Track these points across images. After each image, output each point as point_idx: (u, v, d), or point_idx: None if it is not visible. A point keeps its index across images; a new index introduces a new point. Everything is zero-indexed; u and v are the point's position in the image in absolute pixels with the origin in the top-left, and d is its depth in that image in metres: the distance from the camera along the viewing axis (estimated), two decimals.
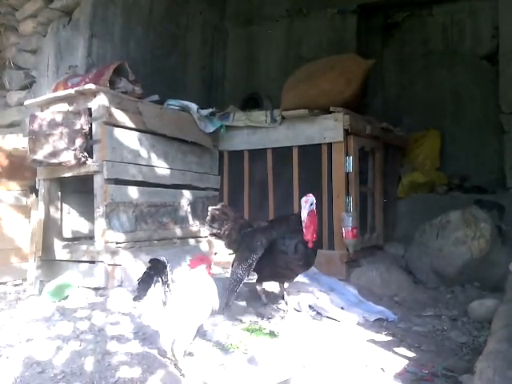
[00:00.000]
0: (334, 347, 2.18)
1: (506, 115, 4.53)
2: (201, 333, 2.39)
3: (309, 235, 2.49)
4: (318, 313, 2.73)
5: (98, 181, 3.23)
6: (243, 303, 2.89)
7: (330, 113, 3.74)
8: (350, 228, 3.57)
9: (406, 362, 2.01)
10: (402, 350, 2.15)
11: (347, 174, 3.72)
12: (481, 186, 4.54)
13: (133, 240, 3.35)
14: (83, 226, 3.83)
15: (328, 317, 2.66)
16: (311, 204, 2.52)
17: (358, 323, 2.58)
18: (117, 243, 3.24)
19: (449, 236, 3.48)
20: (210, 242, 4.05)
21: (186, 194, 3.87)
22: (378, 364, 1.98)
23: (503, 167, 4.53)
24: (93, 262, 3.23)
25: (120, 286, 3.16)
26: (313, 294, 2.90)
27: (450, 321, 2.67)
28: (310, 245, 2.51)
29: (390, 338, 2.33)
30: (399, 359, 2.05)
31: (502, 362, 1.55)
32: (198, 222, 3.98)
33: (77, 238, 3.78)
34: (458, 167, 4.74)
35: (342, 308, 2.77)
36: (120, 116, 3.33)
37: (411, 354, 2.10)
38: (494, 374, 1.48)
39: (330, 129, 3.72)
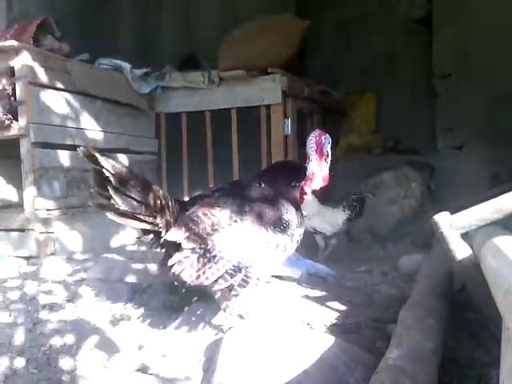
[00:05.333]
0: (269, 304, 2.23)
1: (438, 79, 4.67)
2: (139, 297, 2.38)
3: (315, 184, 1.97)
4: None
5: (24, 145, 3.06)
6: None
7: (268, 74, 3.71)
8: None
9: (337, 315, 2.10)
10: (334, 304, 2.23)
11: (286, 136, 3.74)
12: (414, 148, 4.71)
13: (65, 207, 3.22)
14: (12, 194, 3.64)
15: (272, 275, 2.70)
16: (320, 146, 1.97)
17: (297, 280, 2.65)
18: (47, 210, 3.10)
19: (382, 196, 3.62)
20: None
21: (122, 158, 3.74)
22: (309, 318, 2.06)
23: (434, 129, 4.71)
24: (23, 231, 3.09)
25: (53, 254, 3.06)
26: None
27: (381, 275, 2.80)
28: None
29: (323, 293, 2.41)
30: (331, 313, 2.13)
31: (422, 311, 1.66)
32: None
33: (5, 206, 3.59)
34: (392, 130, 4.88)
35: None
36: (46, 76, 3.13)
37: (342, 308, 2.19)
38: (414, 321, 1.57)
39: (268, 90, 3.69)
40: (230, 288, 1.68)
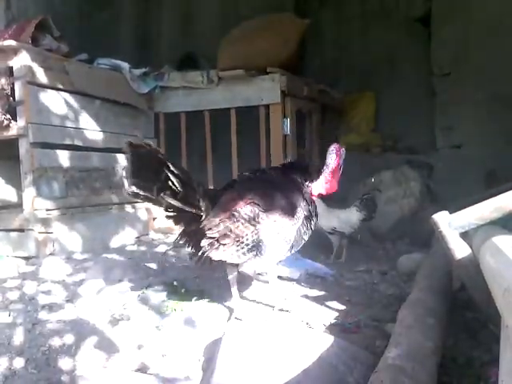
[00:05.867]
0: (269, 304, 2.23)
1: (437, 77, 4.67)
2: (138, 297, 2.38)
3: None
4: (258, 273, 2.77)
5: (23, 145, 3.05)
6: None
7: (268, 73, 3.70)
8: None
9: (337, 314, 2.10)
10: (334, 304, 2.23)
11: (285, 136, 3.73)
12: (413, 146, 4.71)
13: (64, 207, 3.22)
14: (11, 194, 3.63)
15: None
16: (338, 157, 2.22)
17: (297, 280, 2.65)
18: (47, 210, 3.09)
19: (381, 195, 3.61)
20: (148, 209, 3.98)
21: (121, 157, 3.74)
22: (308, 318, 2.05)
23: (434, 128, 4.70)
24: (22, 231, 3.09)
25: (52, 254, 3.05)
26: None
27: (380, 275, 2.80)
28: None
29: (323, 293, 2.41)
30: (330, 312, 2.13)
31: (422, 310, 1.66)
32: None
33: (5, 207, 3.59)
34: (392, 129, 4.88)
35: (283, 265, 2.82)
36: (45, 76, 3.13)
37: (342, 307, 2.19)
38: (414, 320, 1.57)
39: (267, 90, 3.69)
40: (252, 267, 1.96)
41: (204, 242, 1.83)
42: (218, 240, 1.84)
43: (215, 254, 1.83)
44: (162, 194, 1.82)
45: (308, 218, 2.07)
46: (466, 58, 4.39)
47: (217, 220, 1.86)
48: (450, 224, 1.63)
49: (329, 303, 2.25)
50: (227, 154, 3.87)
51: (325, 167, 2.23)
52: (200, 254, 1.86)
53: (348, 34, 5.17)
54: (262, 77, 3.72)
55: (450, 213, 1.66)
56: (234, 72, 3.73)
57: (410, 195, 3.59)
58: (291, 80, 3.73)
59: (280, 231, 1.95)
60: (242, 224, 1.87)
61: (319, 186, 2.22)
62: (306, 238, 2.10)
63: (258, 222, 1.89)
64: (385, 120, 4.99)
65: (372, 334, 1.92)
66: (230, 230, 1.85)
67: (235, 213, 1.89)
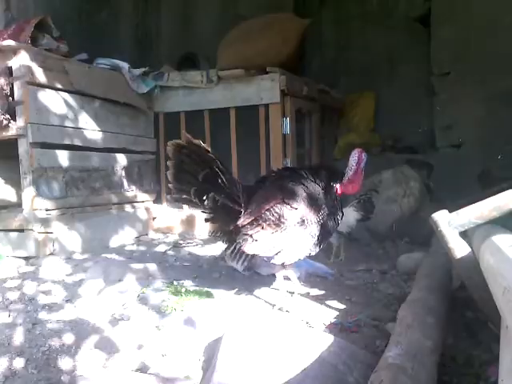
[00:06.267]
0: (269, 303, 2.23)
1: (436, 77, 4.66)
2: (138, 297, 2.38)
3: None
4: (256, 272, 2.77)
5: (22, 145, 3.05)
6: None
7: (267, 73, 3.70)
8: None
9: (336, 313, 2.10)
10: (334, 303, 2.24)
11: (284, 135, 3.73)
12: (412, 146, 4.70)
13: (64, 207, 3.22)
14: (11, 194, 3.62)
15: (270, 274, 2.70)
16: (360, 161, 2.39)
17: (297, 279, 2.65)
18: (47, 210, 3.10)
19: (381, 195, 3.61)
20: (147, 209, 3.98)
21: (120, 157, 3.75)
22: (308, 317, 2.06)
23: (433, 128, 4.70)
24: (22, 231, 3.09)
25: (52, 254, 3.05)
26: None
27: (380, 274, 2.80)
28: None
29: (322, 292, 2.41)
30: (330, 312, 2.13)
31: (421, 309, 1.66)
32: (134, 187, 3.88)
33: (4, 207, 3.58)
34: (391, 128, 4.87)
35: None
36: (44, 76, 3.13)
37: (342, 306, 2.20)
38: (413, 319, 1.57)
39: (266, 89, 3.69)
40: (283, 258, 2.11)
41: (239, 238, 2.03)
42: (251, 235, 2.02)
43: (249, 248, 2.02)
44: (210, 194, 2.02)
45: (333, 214, 2.23)
46: (466, 57, 4.38)
47: (252, 217, 2.04)
48: (450, 223, 1.63)
49: (329, 302, 2.25)
50: (227, 154, 3.86)
51: (347, 169, 2.39)
52: (235, 248, 2.06)
53: (348, 34, 5.17)
54: (261, 76, 3.72)
55: (450, 212, 1.66)
56: (233, 72, 3.73)
57: (410, 195, 3.59)
58: (291, 80, 3.73)
59: (307, 227, 2.10)
60: (273, 221, 2.04)
61: (343, 186, 2.37)
62: (332, 232, 2.30)
63: (287, 219, 2.05)
64: (384, 120, 4.99)
65: (372, 334, 1.93)
66: (263, 227, 2.03)
67: (267, 211, 2.06)
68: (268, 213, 2.05)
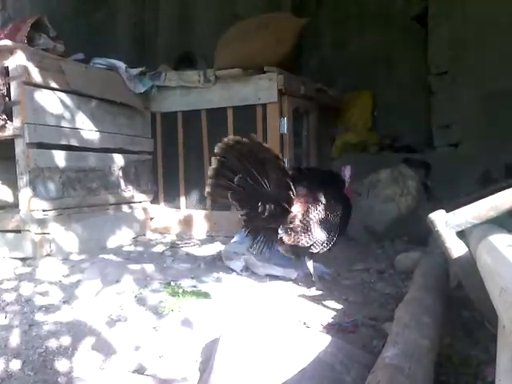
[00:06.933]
0: (267, 304, 2.23)
1: (434, 76, 4.66)
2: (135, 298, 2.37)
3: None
4: (254, 272, 2.77)
5: (19, 145, 3.04)
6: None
7: (265, 72, 3.69)
8: None
9: (334, 313, 2.10)
10: (331, 303, 2.23)
11: (282, 135, 3.73)
12: (410, 145, 4.70)
13: (61, 207, 3.21)
14: (7, 195, 3.62)
15: (267, 274, 2.71)
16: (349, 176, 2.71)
17: (294, 279, 2.65)
18: (44, 211, 3.09)
19: (379, 194, 3.61)
20: (145, 209, 3.98)
21: (117, 157, 3.73)
22: (305, 318, 2.05)
23: (431, 127, 4.70)
24: (19, 232, 3.08)
25: (49, 255, 3.04)
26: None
27: (378, 273, 2.80)
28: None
29: (320, 292, 2.41)
30: (327, 312, 2.13)
31: (418, 309, 1.65)
32: (131, 188, 3.88)
33: (1, 207, 3.58)
34: (389, 127, 4.87)
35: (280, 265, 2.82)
36: (41, 76, 3.11)
37: (339, 306, 2.19)
38: (410, 319, 1.57)
39: (264, 89, 3.68)
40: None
41: (280, 230, 2.38)
42: (291, 229, 2.37)
43: (288, 239, 2.38)
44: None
45: (348, 209, 2.57)
46: (463, 56, 4.38)
47: (292, 214, 2.39)
48: (447, 223, 1.62)
49: (326, 302, 2.25)
50: None
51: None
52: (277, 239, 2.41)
53: (345, 33, 5.17)
54: (259, 76, 3.71)
55: (447, 211, 1.66)
56: (231, 71, 3.72)
57: (408, 194, 3.58)
58: (288, 79, 3.72)
59: (330, 221, 2.46)
60: (308, 216, 2.39)
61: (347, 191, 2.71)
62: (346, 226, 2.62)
63: (318, 214, 2.42)
64: (382, 119, 4.99)
65: (369, 334, 1.92)
66: (301, 221, 2.39)
67: (304, 208, 2.42)
68: (305, 208, 2.41)
